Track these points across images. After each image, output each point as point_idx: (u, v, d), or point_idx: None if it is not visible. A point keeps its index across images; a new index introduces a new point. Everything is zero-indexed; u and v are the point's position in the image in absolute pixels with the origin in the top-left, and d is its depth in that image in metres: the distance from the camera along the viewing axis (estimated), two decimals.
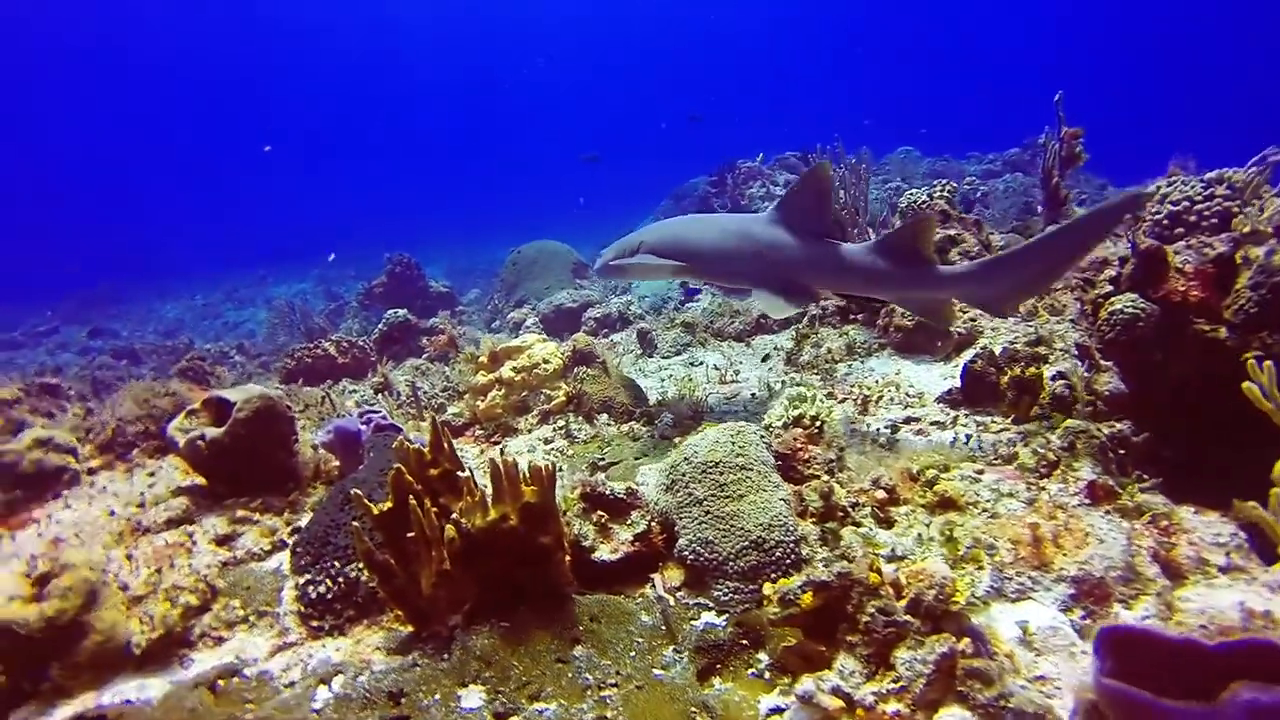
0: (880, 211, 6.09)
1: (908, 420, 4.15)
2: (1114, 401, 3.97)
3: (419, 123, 76.20)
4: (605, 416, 4.65)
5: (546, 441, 4.42)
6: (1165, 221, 6.01)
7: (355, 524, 2.65)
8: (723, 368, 5.77)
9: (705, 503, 2.80)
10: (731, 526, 2.71)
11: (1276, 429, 2.66)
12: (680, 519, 2.84)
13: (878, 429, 4.03)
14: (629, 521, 2.94)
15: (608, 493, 2.97)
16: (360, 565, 2.92)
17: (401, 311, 8.91)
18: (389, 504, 2.69)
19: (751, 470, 2.87)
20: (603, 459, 4.14)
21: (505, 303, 11.31)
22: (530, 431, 4.58)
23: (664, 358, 6.46)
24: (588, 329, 8.93)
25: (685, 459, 2.97)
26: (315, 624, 2.91)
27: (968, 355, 4.82)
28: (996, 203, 12.34)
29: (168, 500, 3.61)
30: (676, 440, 4.25)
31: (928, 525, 2.84)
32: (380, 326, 8.86)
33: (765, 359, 5.83)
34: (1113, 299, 4.56)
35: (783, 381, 5.14)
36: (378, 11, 69.41)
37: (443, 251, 22.89)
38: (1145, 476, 3.20)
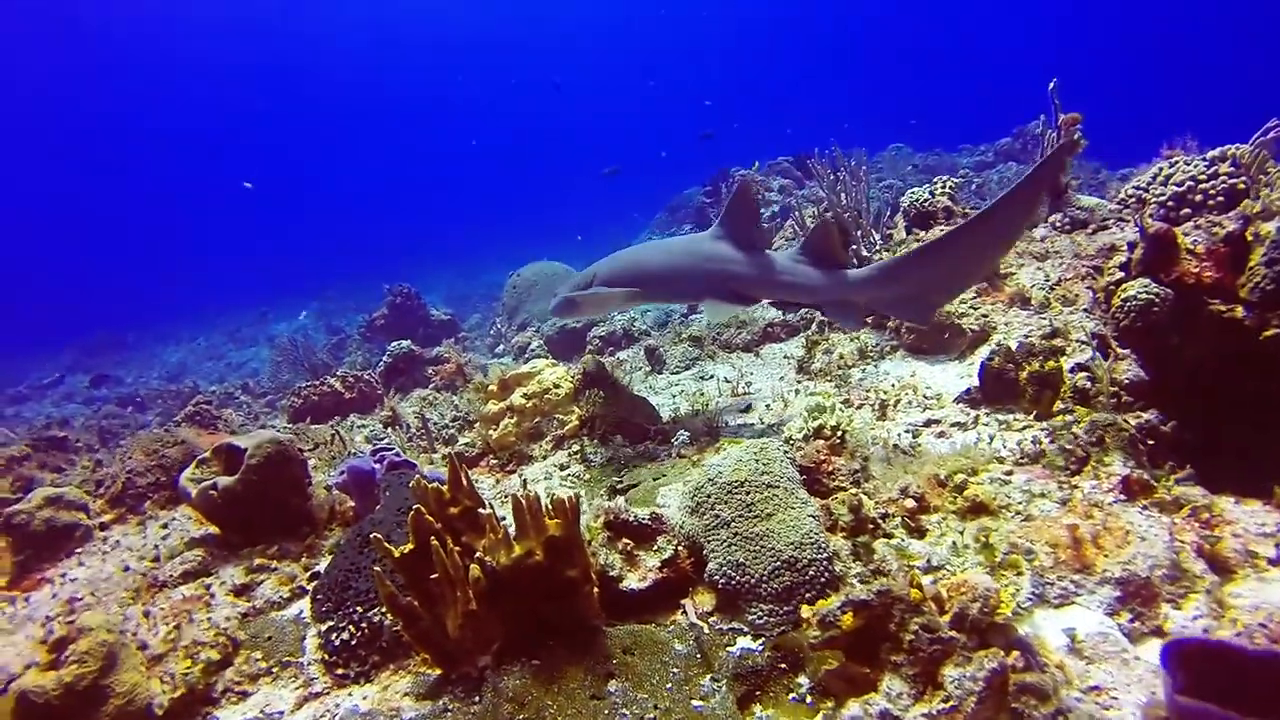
0: (883, 211, 6.04)
1: (928, 423, 4.08)
2: (1135, 389, 3.90)
3: (407, 149, 76.78)
4: (620, 438, 4.59)
5: (562, 468, 4.35)
6: (1170, 203, 5.97)
7: (377, 569, 2.58)
8: (734, 380, 5.71)
9: (733, 524, 2.73)
10: (762, 547, 2.63)
11: None
12: (708, 542, 2.77)
13: (899, 434, 3.96)
14: (655, 547, 2.88)
15: (632, 519, 2.90)
16: (383, 609, 2.86)
17: (405, 343, 8.87)
18: (410, 545, 2.62)
19: (778, 487, 2.80)
20: (621, 482, 4.07)
21: (508, 326, 11.28)
22: (545, 458, 4.51)
23: (673, 373, 6.41)
24: (593, 348, 8.88)
25: (709, 480, 2.90)
26: (340, 672, 2.84)
27: (983, 352, 4.76)
28: (992, 194, 12.30)
29: (183, 553, 3.55)
30: (694, 457, 4.19)
31: (961, 533, 2.77)
32: (385, 359, 8.81)
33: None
34: (1125, 285, 4.50)
35: (796, 390, 5.08)
36: (367, 37, 69.92)
37: (439, 279, 23.00)
38: (1178, 467, 3.12)
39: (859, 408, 4.47)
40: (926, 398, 4.34)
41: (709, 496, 2.86)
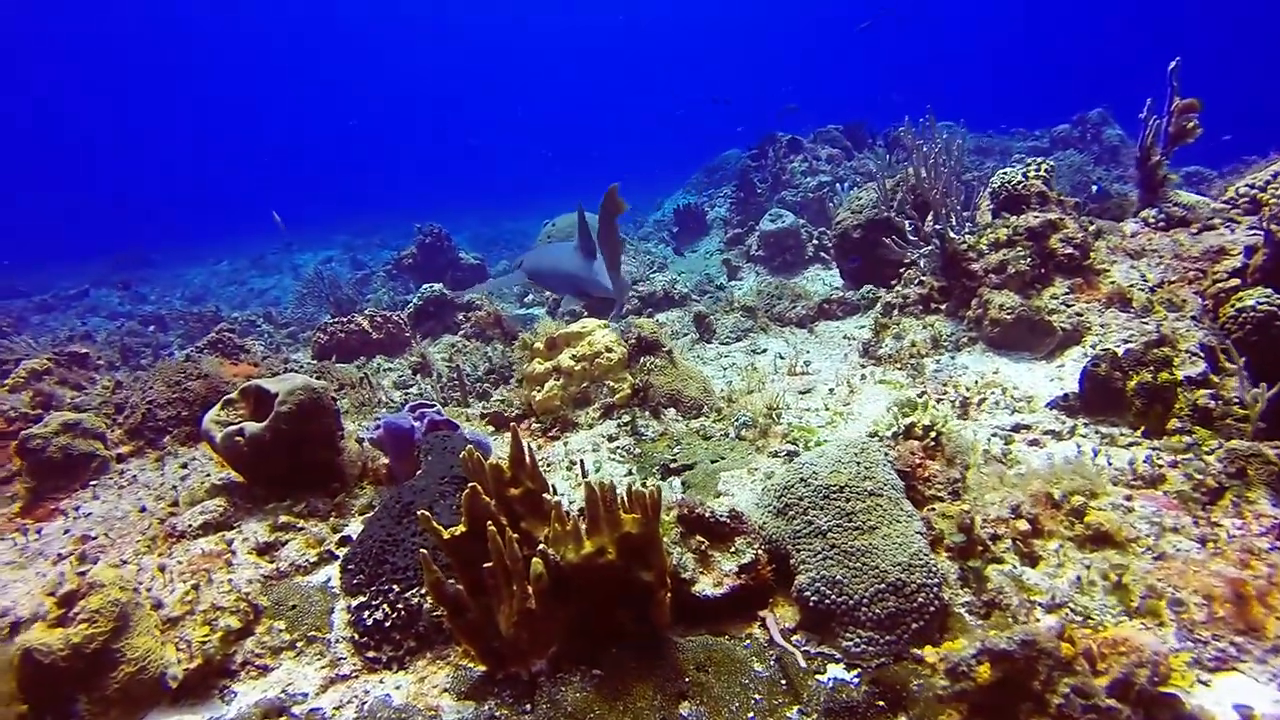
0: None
1: (1016, 428, 3.71)
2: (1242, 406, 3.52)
3: (436, 93, 75.58)
4: (673, 411, 4.26)
5: (610, 439, 4.03)
6: None
7: (424, 551, 2.27)
8: (789, 357, 5.34)
9: (830, 534, 2.39)
10: (864, 565, 2.30)
11: None
12: (798, 551, 2.45)
13: (986, 438, 3.59)
14: (733, 549, 2.55)
15: (708, 515, 2.58)
16: (424, 591, 2.57)
17: (437, 286, 8.52)
18: (462, 528, 2.31)
19: (882, 496, 2.46)
20: (674, 460, 3.76)
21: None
22: (591, 427, 4.19)
23: (723, 343, 6.04)
24: (630, 308, 8.51)
25: (801, 479, 2.56)
26: (371, 654, 2.56)
27: (1074, 354, 4.37)
28: (1058, 182, 11.67)
29: (203, 500, 3.27)
30: (751, 439, 3.86)
31: (1087, 566, 2.42)
32: (414, 301, 8.48)
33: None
34: (1240, 294, 4.08)
35: (862, 376, 4.71)
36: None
37: (461, 223, 22.56)
38: None
39: (936, 402, 4.10)
40: (1015, 399, 3.96)
41: (800, 499, 2.52)
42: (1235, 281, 4.30)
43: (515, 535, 2.28)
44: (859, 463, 2.54)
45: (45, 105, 58.87)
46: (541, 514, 2.40)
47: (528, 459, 2.42)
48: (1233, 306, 4.07)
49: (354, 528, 3.26)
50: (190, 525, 3.08)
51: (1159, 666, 1.74)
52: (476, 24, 73.57)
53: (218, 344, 7.56)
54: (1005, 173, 5.19)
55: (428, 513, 2.36)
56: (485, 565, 2.24)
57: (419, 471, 3.09)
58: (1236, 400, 3.51)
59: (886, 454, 2.69)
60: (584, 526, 2.24)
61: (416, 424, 3.42)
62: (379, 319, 7.83)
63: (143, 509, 3.52)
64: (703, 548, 2.56)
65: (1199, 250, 4.95)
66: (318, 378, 6.28)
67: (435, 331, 8.26)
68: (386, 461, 3.60)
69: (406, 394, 5.58)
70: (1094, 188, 10.33)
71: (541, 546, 2.23)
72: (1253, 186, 5.51)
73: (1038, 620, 2.22)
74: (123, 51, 59.65)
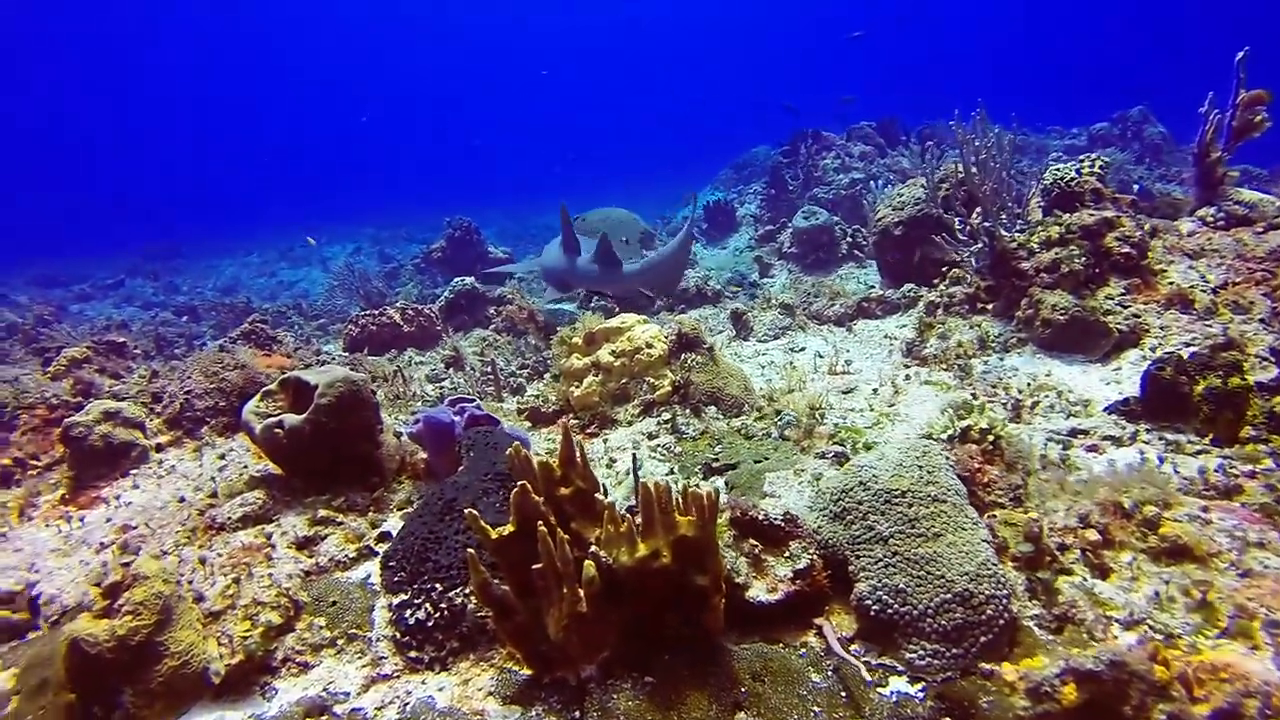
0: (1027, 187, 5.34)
1: (1073, 433, 3.57)
2: None
3: (465, 90, 76.08)
4: (714, 409, 4.17)
5: (650, 436, 3.95)
6: None
7: (471, 551, 2.20)
8: (828, 356, 5.22)
9: (892, 541, 2.29)
10: (928, 573, 2.20)
11: None
12: (857, 557, 2.35)
13: (1043, 442, 3.46)
14: (788, 554, 2.46)
15: (761, 517, 2.49)
16: (468, 591, 2.51)
17: (468, 280, 8.50)
18: (511, 528, 2.24)
19: (945, 502, 2.35)
20: (717, 459, 3.67)
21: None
22: (631, 424, 4.11)
23: (760, 341, 5.93)
24: (662, 304, 8.42)
25: (861, 483, 2.46)
26: (414, 655, 2.50)
27: (1131, 356, 4.21)
28: (1115, 177, 11.36)
29: (242, 492, 3.23)
30: (796, 439, 3.76)
31: (1166, 581, 2.29)
32: (446, 294, 8.47)
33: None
34: None
35: (907, 376, 4.58)
36: None
37: (487, 218, 22.62)
38: None
39: (988, 404, 3.96)
40: (1070, 402, 3.82)
41: (860, 503, 2.42)
42: None
43: (566, 536, 2.20)
44: (921, 466, 2.43)
45: (46, 105, 59.93)
46: (593, 514, 2.32)
47: (578, 457, 2.34)
48: None
49: (393, 523, 3.21)
50: (230, 518, 3.05)
51: (1271, 698, 1.62)
52: (476, 24, 73.90)
53: (250, 335, 7.59)
54: (1058, 169, 5.03)
55: (474, 511, 2.30)
56: (535, 567, 2.17)
57: (461, 468, 3.03)
58: None
59: (947, 456, 2.58)
60: (638, 528, 2.16)
61: (456, 419, 3.36)
62: (410, 312, 7.82)
63: (182, 499, 3.50)
64: (756, 551, 2.47)
65: (1265, 250, 4.74)
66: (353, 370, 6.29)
67: (466, 325, 8.24)
68: (424, 456, 3.55)
69: (440, 388, 5.55)
70: (1135, 186, 10.05)
71: (594, 549, 2.15)
72: None
73: (1115, 638, 2.10)
74: (122, 52, 60.57)
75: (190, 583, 2.63)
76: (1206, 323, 4.16)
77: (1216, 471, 2.95)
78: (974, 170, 4.77)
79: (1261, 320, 4.06)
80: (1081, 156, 5.10)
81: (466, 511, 2.25)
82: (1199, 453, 3.22)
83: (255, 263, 20.84)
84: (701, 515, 2.13)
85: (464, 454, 3.11)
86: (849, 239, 9.76)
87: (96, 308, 14.81)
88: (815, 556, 2.45)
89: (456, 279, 8.65)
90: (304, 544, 2.98)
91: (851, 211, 10.87)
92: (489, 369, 5.50)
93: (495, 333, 7.74)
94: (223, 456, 3.87)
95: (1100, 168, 4.99)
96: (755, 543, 2.48)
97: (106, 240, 24.51)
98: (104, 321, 11.69)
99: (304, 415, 3.18)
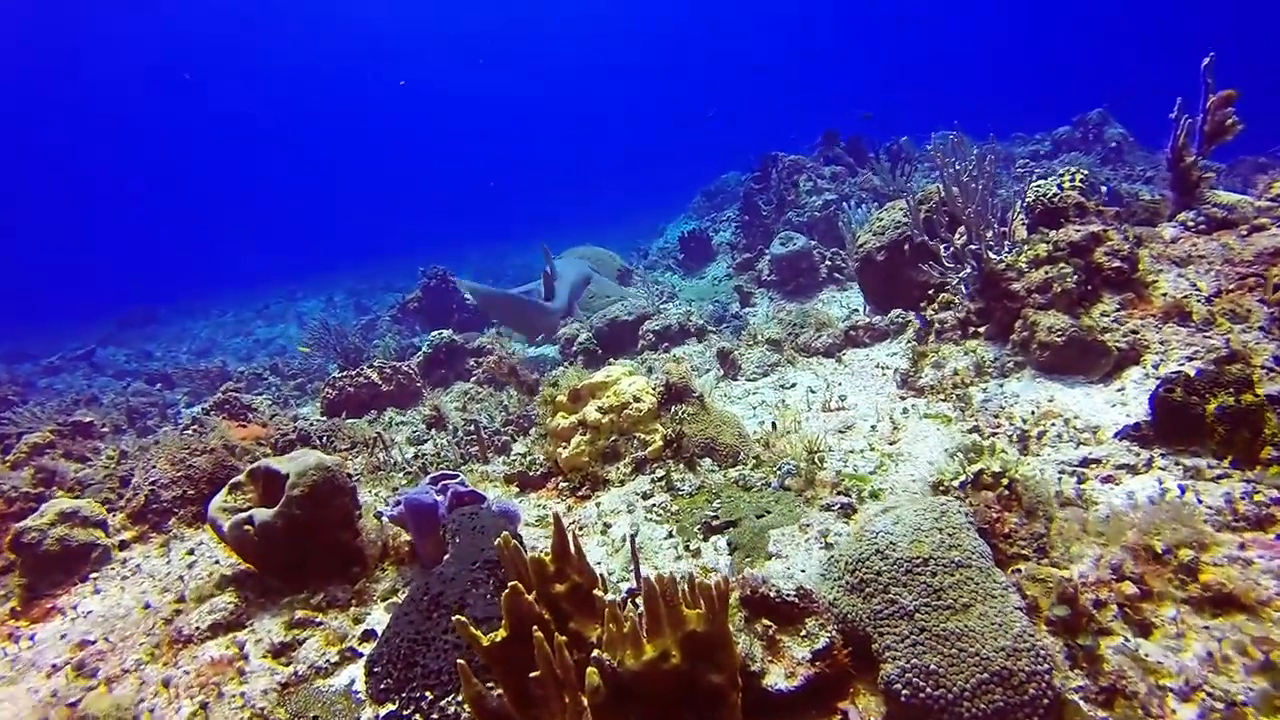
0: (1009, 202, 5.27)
1: (1085, 462, 3.42)
2: None
3: (429, 133, 76.75)
4: (708, 461, 3.99)
5: (645, 496, 3.75)
6: None
7: (461, 661, 1.99)
8: (820, 391, 5.07)
9: (918, 615, 2.11)
10: (961, 650, 2.01)
11: None
12: (881, 635, 2.16)
13: (1055, 475, 3.31)
14: (804, 633, 2.27)
15: (774, 594, 2.30)
16: (459, 699, 2.29)
17: (446, 332, 8.31)
18: (503, 633, 2.03)
19: (971, 568, 2.17)
20: (716, 516, 3.48)
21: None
22: (623, 483, 3.91)
23: (749, 379, 5.77)
24: (646, 342, 8.26)
25: (877, 551, 2.28)
26: None
27: (1133, 374, 4.09)
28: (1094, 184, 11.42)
29: (212, 595, 2.99)
30: (798, 489, 3.58)
31: (1218, 640, 2.12)
32: (424, 349, 8.26)
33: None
34: None
35: (904, 410, 4.43)
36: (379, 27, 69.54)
37: (463, 260, 22.52)
38: None
39: (990, 438, 3.82)
40: (1078, 429, 3.67)
41: (879, 574, 2.24)
42: None
43: (564, 638, 2.00)
44: (941, 529, 2.26)
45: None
46: (592, 611, 2.12)
47: (572, 549, 2.15)
48: None
49: (377, 616, 2.99)
50: (198, 628, 2.81)
51: None
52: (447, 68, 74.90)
53: (224, 404, 7.34)
54: (1039, 185, 4.95)
55: (461, 616, 2.10)
56: (532, 675, 1.96)
57: (446, 557, 2.82)
58: None
59: (966, 514, 2.41)
60: (643, 626, 1.97)
61: (439, 498, 3.15)
62: (388, 370, 7.60)
63: (147, 605, 3.25)
64: (770, 632, 2.28)
65: (1252, 254, 4.67)
66: (329, 439, 6.05)
67: (447, 379, 8.03)
68: (409, 539, 3.33)
69: (421, 452, 5.32)
70: (1104, 188, 10.10)
71: (596, 653, 1.95)
72: None
73: (1173, 711, 1.92)
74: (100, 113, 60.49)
75: (152, 711, 2.39)
76: (1206, 334, 4.05)
77: (1244, 499, 2.81)
78: (955, 192, 4.68)
79: (1261, 328, 3.97)
80: (1061, 171, 5.04)
81: (455, 620, 2.04)
82: (1220, 477, 3.07)
83: (230, 322, 20.57)
84: (712, 607, 1.94)
85: (449, 539, 2.90)
86: (829, 263, 9.70)
87: (67, 379, 14.45)
88: (834, 633, 2.26)
89: (434, 332, 8.45)
90: (280, 651, 2.74)
91: (828, 234, 10.83)
92: (472, 428, 5.29)
93: (477, 384, 7.54)
94: (192, 552, 3.62)
95: (1081, 180, 4.92)
96: (769, 623, 2.29)
97: (78, 309, 24.15)
98: (73, 396, 11.36)
99: (275, 509, 2.96)
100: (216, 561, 3.45)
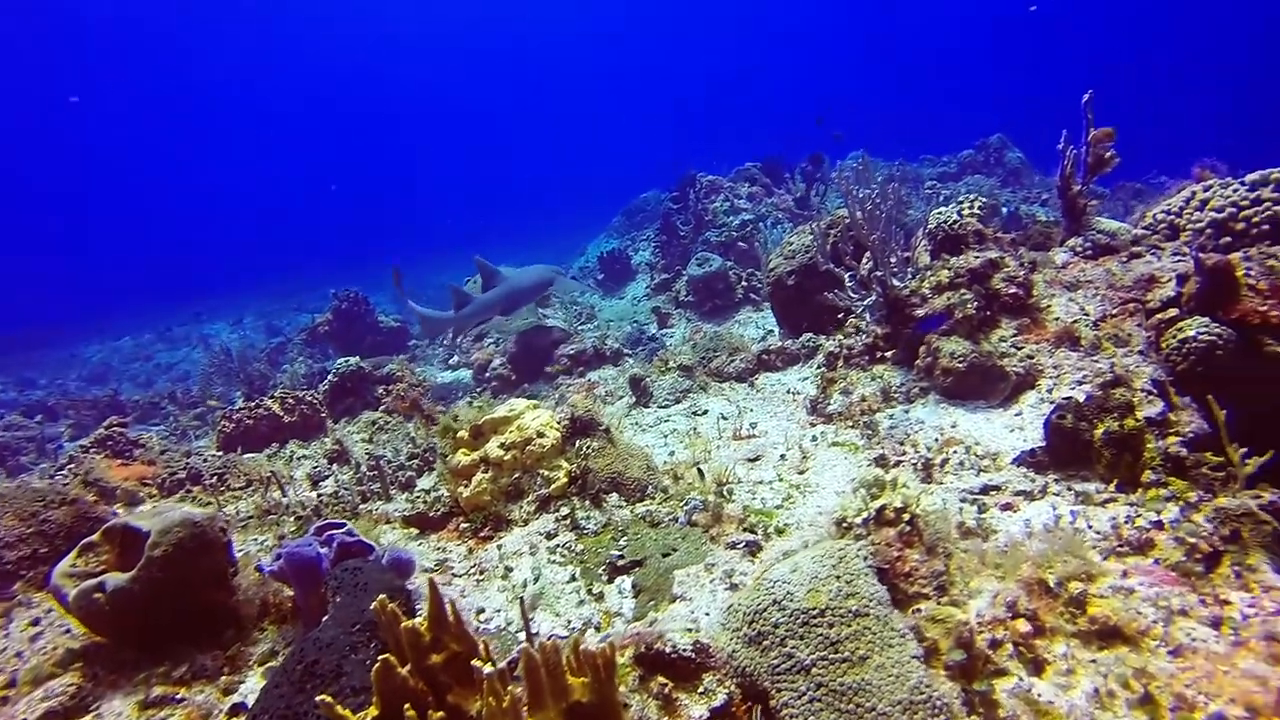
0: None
1: (985, 489, 3.47)
2: (1197, 444, 3.39)
3: (348, 149, 74.97)
4: (615, 496, 3.87)
5: (549, 536, 3.61)
6: (1209, 231, 5.53)
7: None
8: (732, 418, 5.04)
9: (814, 670, 2.04)
10: (858, 707, 1.95)
11: None
12: (779, 691, 2.08)
13: (957, 505, 3.34)
14: (701, 689, 2.17)
15: (669, 650, 2.20)
16: None
17: (353, 360, 7.95)
18: (374, 713, 1.86)
19: (868, 616, 2.13)
20: (622, 557, 3.37)
21: (464, 337, 10.39)
22: (527, 523, 3.75)
23: (661, 407, 5.70)
24: (560, 366, 8.12)
25: (774, 601, 2.21)
26: None
27: (1029, 398, 4.20)
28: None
29: (51, 676, 2.67)
30: (705, 525, 3.51)
31: (1104, 675, 2.13)
32: (330, 378, 7.88)
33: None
34: (1181, 325, 4.01)
35: (814, 438, 4.43)
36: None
37: (381, 279, 21.86)
38: None
39: (895, 466, 3.85)
40: (979, 456, 3.74)
41: (776, 626, 2.16)
42: (1174, 311, 4.22)
43: (440, 714, 1.84)
44: (839, 576, 2.21)
45: None
46: (472, 682, 1.96)
47: (450, 616, 1.99)
48: (1174, 338, 3.99)
49: (252, 683, 2.74)
50: (28, 719, 2.49)
51: None
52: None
53: (106, 441, 6.79)
54: (940, 212, 5.09)
55: (338, 684, 1.91)
56: None
57: (325, 618, 2.60)
58: (1193, 434, 3.39)
59: (866, 557, 2.37)
60: (524, 699, 1.83)
61: (323, 550, 2.93)
62: (291, 400, 7.21)
63: None
64: (666, 690, 2.17)
65: (1131, 280, 4.90)
66: (221, 478, 5.66)
67: (355, 409, 7.67)
68: (291, 594, 3.08)
69: (321, 491, 5.02)
70: (1004, 210, 10.60)
71: None
72: (1169, 212, 5.59)
73: None
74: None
75: None
76: (1094, 359, 4.21)
77: (1127, 523, 2.89)
78: (860, 218, 4.75)
79: (1140, 352, 4.14)
80: (961, 198, 5.20)
81: (319, 699, 1.86)
82: (1107, 501, 3.16)
83: (128, 347, 19.27)
84: (598, 676, 1.82)
85: (330, 597, 2.69)
86: (744, 283, 9.79)
87: None
88: (733, 688, 2.18)
89: (340, 360, 8.09)
90: None
91: (744, 253, 10.95)
92: (374, 464, 5.03)
93: (386, 413, 7.22)
94: (36, 623, 3.24)
95: (980, 207, 5.08)
96: (665, 680, 2.18)
97: None
98: None
99: (133, 572, 2.68)
100: (67, 632, 3.09)
